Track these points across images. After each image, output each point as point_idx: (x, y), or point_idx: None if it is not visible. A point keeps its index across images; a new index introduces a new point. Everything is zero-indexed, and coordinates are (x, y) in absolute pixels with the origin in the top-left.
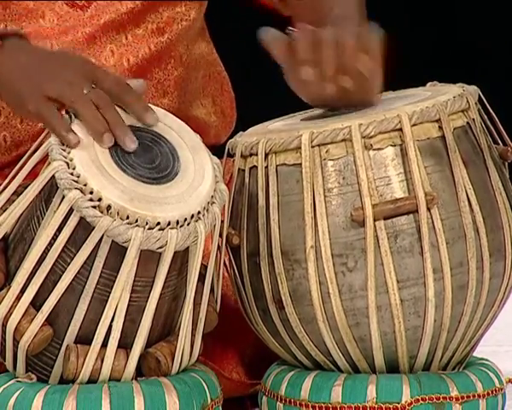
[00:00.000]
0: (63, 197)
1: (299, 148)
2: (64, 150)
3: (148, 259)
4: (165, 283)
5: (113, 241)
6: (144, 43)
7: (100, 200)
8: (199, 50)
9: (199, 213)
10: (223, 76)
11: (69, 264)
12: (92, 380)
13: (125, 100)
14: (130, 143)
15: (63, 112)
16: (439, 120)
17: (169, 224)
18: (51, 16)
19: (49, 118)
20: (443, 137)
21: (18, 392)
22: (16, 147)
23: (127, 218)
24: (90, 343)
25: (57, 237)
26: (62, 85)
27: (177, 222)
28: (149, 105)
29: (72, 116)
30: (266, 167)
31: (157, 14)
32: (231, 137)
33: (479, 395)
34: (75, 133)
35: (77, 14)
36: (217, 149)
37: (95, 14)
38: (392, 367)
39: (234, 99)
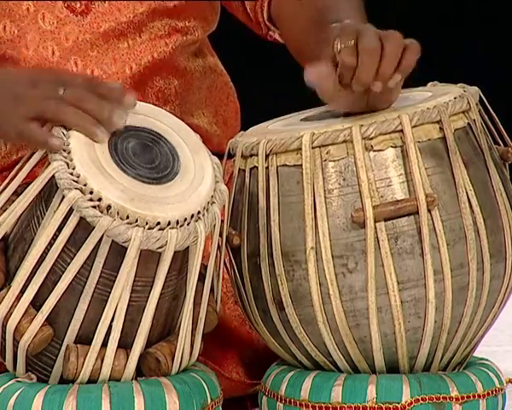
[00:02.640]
0: (63, 197)
1: (300, 149)
2: (64, 150)
3: (148, 259)
4: (165, 283)
5: (113, 241)
6: (148, 52)
7: (100, 200)
8: (206, 63)
9: (199, 213)
10: (229, 87)
11: (69, 264)
12: (92, 380)
13: (99, 92)
14: (119, 119)
15: (56, 129)
16: (439, 122)
17: (169, 224)
18: (51, 19)
19: (37, 138)
20: (444, 139)
21: (18, 392)
22: (16, 151)
23: (127, 218)
24: (90, 343)
25: (57, 236)
26: (37, 102)
27: (177, 222)
28: (150, 105)
29: (64, 130)
30: (267, 168)
31: (159, 25)
32: None
33: (479, 396)
34: (57, 137)
35: (76, 19)
36: (218, 154)
37: (94, 21)
38: (393, 368)
39: (238, 110)
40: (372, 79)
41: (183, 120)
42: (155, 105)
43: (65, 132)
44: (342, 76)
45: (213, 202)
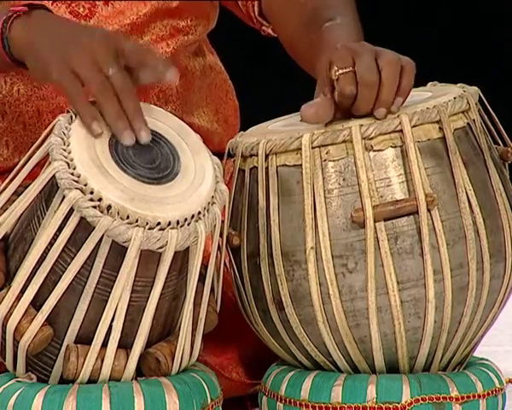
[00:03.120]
0: (63, 197)
1: (300, 149)
2: (64, 150)
3: (149, 259)
4: (165, 283)
5: (113, 241)
6: None
7: (100, 200)
8: (206, 61)
9: (199, 213)
10: (228, 84)
11: (69, 264)
12: (92, 380)
13: (147, 63)
14: (145, 137)
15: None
16: (439, 121)
17: (169, 224)
18: None
19: (71, 91)
20: (443, 139)
21: (18, 392)
22: (19, 154)
23: (127, 218)
24: (90, 343)
25: (57, 236)
26: (89, 64)
27: (178, 222)
28: (150, 105)
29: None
30: (267, 168)
31: (161, 26)
32: None
33: (479, 396)
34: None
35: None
36: (219, 154)
37: (97, 25)
38: (393, 368)
39: (238, 107)
40: (372, 108)
41: (183, 120)
42: (156, 105)
43: (65, 132)
44: (341, 103)
45: (214, 203)
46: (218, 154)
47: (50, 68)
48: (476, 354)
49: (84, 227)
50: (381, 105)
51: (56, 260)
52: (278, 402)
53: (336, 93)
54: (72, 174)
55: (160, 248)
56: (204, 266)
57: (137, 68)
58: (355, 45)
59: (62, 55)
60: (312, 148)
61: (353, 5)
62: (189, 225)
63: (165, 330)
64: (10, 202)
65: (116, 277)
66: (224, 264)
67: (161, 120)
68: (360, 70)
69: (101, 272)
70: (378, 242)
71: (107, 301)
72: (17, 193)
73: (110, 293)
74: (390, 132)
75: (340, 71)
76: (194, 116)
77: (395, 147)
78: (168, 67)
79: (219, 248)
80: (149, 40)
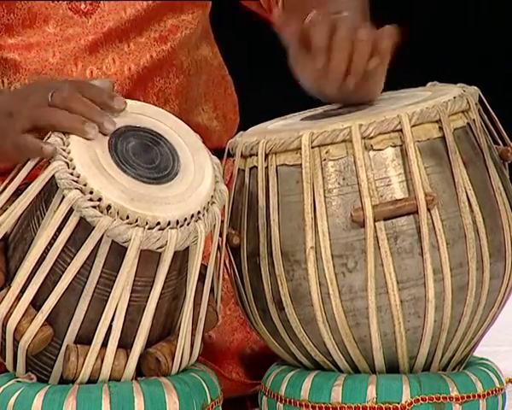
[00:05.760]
0: (63, 197)
1: (300, 148)
2: (64, 150)
3: (148, 259)
4: (165, 283)
5: (113, 241)
6: (146, 52)
7: (100, 200)
8: (201, 55)
9: (199, 212)
10: (226, 80)
11: (69, 264)
12: (92, 380)
13: (88, 95)
14: (109, 125)
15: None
16: (439, 121)
17: (169, 224)
18: (55, 21)
19: (27, 146)
20: (443, 138)
21: (18, 392)
22: None
23: (127, 218)
24: (90, 343)
25: (57, 237)
26: (29, 112)
27: (177, 222)
28: (150, 105)
29: (63, 137)
30: (266, 168)
31: (161, 22)
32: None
33: (479, 395)
34: (49, 143)
35: (81, 20)
36: (218, 151)
37: (99, 21)
38: (392, 368)
39: (237, 103)
40: (345, 68)
41: (183, 119)
42: (155, 105)
43: (65, 132)
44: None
45: (213, 202)
46: (217, 151)
47: (4, 148)
48: (476, 353)
49: (84, 227)
50: (355, 63)
51: (56, 260)
52: (278, 402)
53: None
54: (72, 174)
55: (160, 247)
56: (204, 266)
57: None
58: (334, 17)
59: (4, 129)
60: (312, 147)
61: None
62: (188, 224)
63: (165, 329)
64: (10, 202)
65: (116, 277)
66: (224, 264)
67: (161, 120)
68: (335, 37)
69: (101, 271)
70: (378, 241)
71: (107, 301)
72: (17, 193)
73: (110, 293)
74: (390, 132)
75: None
76: (193, 114)
77: (395, 146)
78: (112, 99)
79: (219, 247)
80: (147, 37)
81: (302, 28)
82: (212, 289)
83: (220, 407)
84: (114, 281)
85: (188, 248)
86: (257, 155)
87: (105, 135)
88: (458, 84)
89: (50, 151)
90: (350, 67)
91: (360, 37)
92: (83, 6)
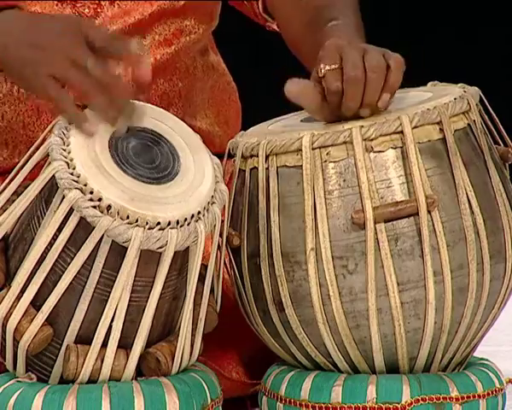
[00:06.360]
0: (63, 197)
1: (300, 150)
2: (64, 150)
3: (148, 259)
4: (165, 283)
5: (113, 241)
6: (150, 54)
7: (100, 200)
8: (208, 61)
9: (199, 213)
10: (231, 86)
11: (69, 264)
12: (92, 380)
13: (117, 53)
14: (122, 127)
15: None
16: (440, 122)
17: (169, 224)
18: None
19: (59, 101)
20: (444, 140)
21: (18, 392)
22: (18, 153)
23: (127, 218)
24: (90, 343)
25: (57, 236)
26: (65, 64)
27: (178, 222)
28: (150, 105)
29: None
30: (267, 169)
31: (165, 26)
32: None
33: (479, 396)
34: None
35: None
36: (219, 156)
37: (102, 25)
38: (393, 369)
39: (240, 109)
40: (359, 105)
41: (186, 122)
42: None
43: (65, 132)
44: (331, 101)
45: (213, 202)
46: (219, 155)
47: (32, 83)
48: (476, 354)
49: (84, 227)
50: (367, 101)
51: (56, 260)
52: (278, 402)
53: (325, 90)
54: (72, 174)
55: (160, 248)
56: (204, 266)
57: (105, 47)
58: (342, 42)
59: (35, 66)
60: (313, 149)
61: (356, 5)
62: (188, 225)
63: (165, 330)
64: (10, 202)
65: (116, 277)
66: (224, 264)
67: (161, 120)
68: (346, 67)
69: (101, 272)
70: (378, 243)
71: (107, 301)
72: (17, 193)
73: (110, 293)
74: (390, 133)
75: (327, 68)
76: (196, 119)
77: (395, 148)
78: (131, 41)
79: (219, 248)
80: (151, 41)
81: (314, 76)
82: (212, 290)
83: (220, 407)
84: (114, 281)
85: (188, 248)
86: (257, 156)
87: (115, 133)
88: (459, 85)
89: (92, 132)
90: (362, 99)
91: (371, 69)
92: (86, 10)
